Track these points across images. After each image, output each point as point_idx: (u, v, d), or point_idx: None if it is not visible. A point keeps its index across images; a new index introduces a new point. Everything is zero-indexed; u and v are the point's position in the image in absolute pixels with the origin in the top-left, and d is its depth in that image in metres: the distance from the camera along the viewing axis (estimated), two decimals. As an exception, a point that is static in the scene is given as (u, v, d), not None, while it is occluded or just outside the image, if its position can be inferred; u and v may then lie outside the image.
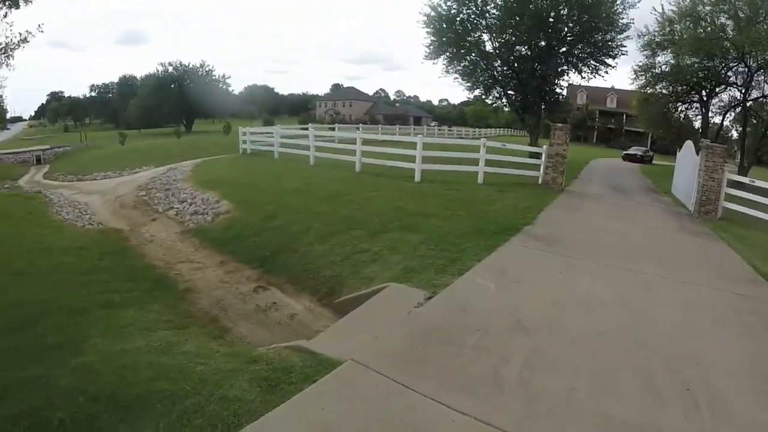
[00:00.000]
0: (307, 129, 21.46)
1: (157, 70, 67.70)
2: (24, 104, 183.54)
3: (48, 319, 5.56)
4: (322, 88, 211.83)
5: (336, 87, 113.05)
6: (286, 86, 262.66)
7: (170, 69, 66.32)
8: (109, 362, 4.30)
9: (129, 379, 3.96)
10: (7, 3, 11.29)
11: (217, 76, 67.94)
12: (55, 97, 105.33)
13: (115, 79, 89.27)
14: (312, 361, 4.15)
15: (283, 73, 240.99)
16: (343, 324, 5.14)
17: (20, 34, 12.01)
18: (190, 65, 66.39)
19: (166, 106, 62.34)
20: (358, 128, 26.01)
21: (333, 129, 28.63)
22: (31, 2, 11.54)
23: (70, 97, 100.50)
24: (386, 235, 8.01)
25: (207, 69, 67.13)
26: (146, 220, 12.91)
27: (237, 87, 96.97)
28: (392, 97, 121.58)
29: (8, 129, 50.87)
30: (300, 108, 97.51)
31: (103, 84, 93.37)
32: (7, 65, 12.62)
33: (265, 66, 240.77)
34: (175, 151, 26.28)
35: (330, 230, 8.67)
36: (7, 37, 11.95)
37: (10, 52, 12.17)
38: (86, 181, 21.85)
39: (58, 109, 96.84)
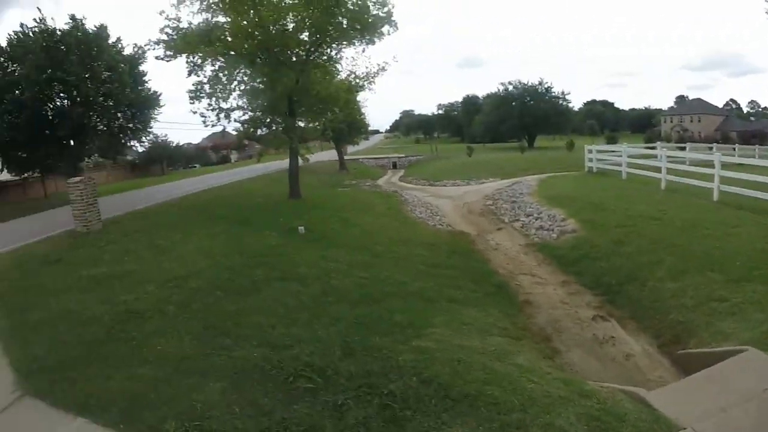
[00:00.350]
0: (654, 148, 19.98)
1: (498, 89, 72.13)
2: (380, 119, 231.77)
3: (397, 299, 6.46)
4: (663, 101, 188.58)
5: (680, 99, 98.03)
6: (625, 100, 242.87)
7: (510, 87, 69.57)
8: (446, 352, 4.63)
9: (462, 374, 4.18)
10: (363, 41, 14.70)
11: (556, 93, 67.69)
12: (406, 114, 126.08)
13: (459, 99, 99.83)
14: (648, 415, 3.83)
15: (621, 87, 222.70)
16: (688, 383, 4.69)
17: (378, 65, 15.73)
18: (529, 83, 68.10)
19: (508, 122, 65.66)
20: (710, 148, 22.52)
21: (683, 148, 25.01)
22: (384, 38, 14.70)
23: (419, 114, 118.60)
24: (749, 285, 6.43)
25: (546, 86, 67.59)
26: (492, 228, 13.90)
27: (576, 103, 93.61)
28: (745, 110, 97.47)
29: (368, 140, 62.68)
30: (643, 124, 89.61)
31: (449, 103, 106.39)
32: (369, 89, 16.58)
33: (603, 80, 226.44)
34: (519, 166, 27.32)
35: (683, 267, 7.57)
36: (367, 67, 15.87)
37: (371, 79, 15.98)
38: (436, 187, 25.07)
39: (410, 124, 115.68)
